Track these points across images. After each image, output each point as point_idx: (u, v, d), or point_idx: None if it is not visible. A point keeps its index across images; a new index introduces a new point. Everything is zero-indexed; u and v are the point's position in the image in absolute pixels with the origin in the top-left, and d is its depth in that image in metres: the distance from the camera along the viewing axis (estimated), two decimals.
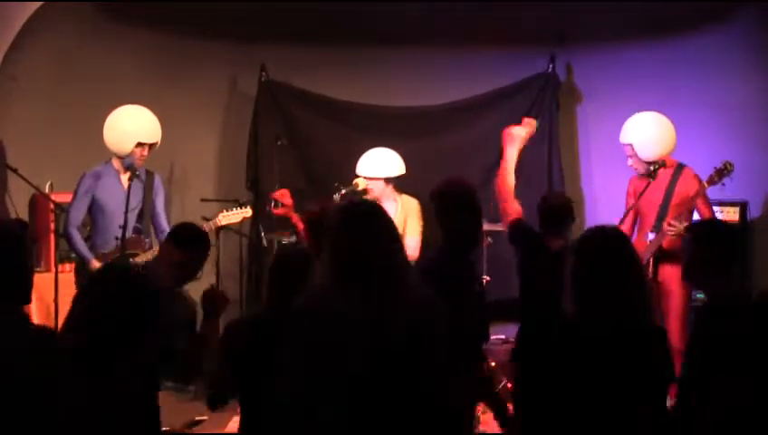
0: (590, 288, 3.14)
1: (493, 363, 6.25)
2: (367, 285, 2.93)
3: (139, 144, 6.19)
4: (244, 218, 6.70)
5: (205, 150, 7.91)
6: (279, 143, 7.17)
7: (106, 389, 2.94)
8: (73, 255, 6.35)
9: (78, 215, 6.15)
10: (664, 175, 6.07)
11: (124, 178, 6.15)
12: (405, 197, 6.38)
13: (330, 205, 4.52)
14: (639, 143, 6.13)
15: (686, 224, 5.85)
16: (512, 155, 5.29)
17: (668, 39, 7.34)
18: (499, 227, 6.55)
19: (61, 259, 6.63)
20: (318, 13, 7.41)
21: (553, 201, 5.50)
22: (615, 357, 3.09)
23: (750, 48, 7.05)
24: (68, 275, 6.32)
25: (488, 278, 6.43)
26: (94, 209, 6.18)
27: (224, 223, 6.57)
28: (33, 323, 3.23)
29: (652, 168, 6.05)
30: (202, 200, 7.19)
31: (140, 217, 6.26)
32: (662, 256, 6.02)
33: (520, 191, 7.56)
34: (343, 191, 6.28)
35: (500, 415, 3.85)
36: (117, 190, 6.13)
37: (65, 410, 2.89)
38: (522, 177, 7.55)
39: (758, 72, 7.01)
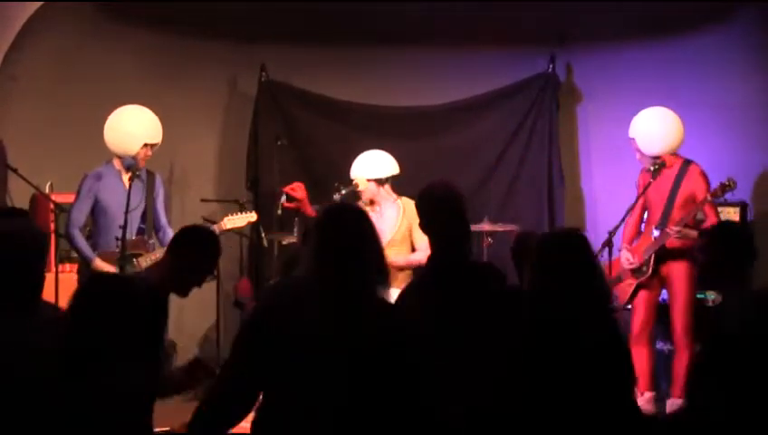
0: (547, 291, 3.30)
1: None
2: (328, 286, 3.01)
3: (145, 145, 6.19)
4: (249, 223, 6.69)
5: (205, 150, 7.90)
6: (279, 143, 7.17)
7: (99, 393, 2.94)
8: (74, 255, 6.35)
9: (80, 216, 6.13)
10: (670, 171, 6.09)
11: (126, 178, 6.14)
12: (406, 200, 6.35)
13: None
14: (642, 138, 6.16)
15: (689, 227, 5.90)
16: None
17: (668, 39, 7.34)
18: (499, 228, 6.57)
19: (61, 259, 6.64)
20: (318, 13, 7.41)
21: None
22: (572, 354, 3.22)
23: (750, 48, 7.05)
24: (69, 275, 6.32)
25: None
26: (96, 210, 6.15)
27: (229, 227, 6.58)
28: (45, 323, 3.24)
29: (655, 165, 6.07)
30: (202, 201, 7.21)
31: (143, 217, 6.26)
32: (665, 253, 6.05)
33: (521, 191, 7.63)
34: (343, 191, 6.27)
35: None
36: (119, 191, 6.11)
37: (67, 413, 2.90)
38: (522, 177, 7.65)
39: (758, 72, 7.01)
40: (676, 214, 6.00)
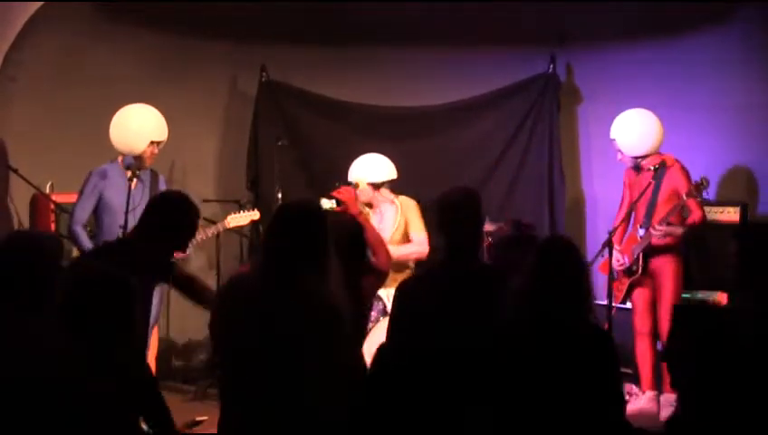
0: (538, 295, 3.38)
1: None
2: (270, 274, 3.28)
3: (151, 142, 6.18)
4: (252, 221, 6.70)
5: (205, 151, 7.90)
6: (279, 143, 7.17)
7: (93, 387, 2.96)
8: (75, 254, 6.34)
9: (84, 213, 6.09)
10: (650, 171, 6.17)
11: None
12: (403, 198, 6.39)
13: None
14: (622, 139, 6.28)
15: (674, 225, 5.95)
16: None
17: (668, 39, 7.33)
18: None
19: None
20: (318, 13, 7.41)
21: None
22: (559, 359, 3.29)
23: (750, 48, 7.04)
24: None
25: None
26: (100, 208, 6.11)
27: (232, 225, 6.59)
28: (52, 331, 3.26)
29: (655, 166, 6.11)
30: (203, 201, 7.20)
31: None
32: (652, 250, 6.12)
33: (521, 191, 7.63)
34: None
35: None
36: (123, 189, 6.05)
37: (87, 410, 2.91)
38: (523, 177, 7.65)
39: (758, 72, 7.00)
40: (660, 211, 6.06)
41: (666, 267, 6.10)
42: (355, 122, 7.62)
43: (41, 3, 6.56)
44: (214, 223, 6.65)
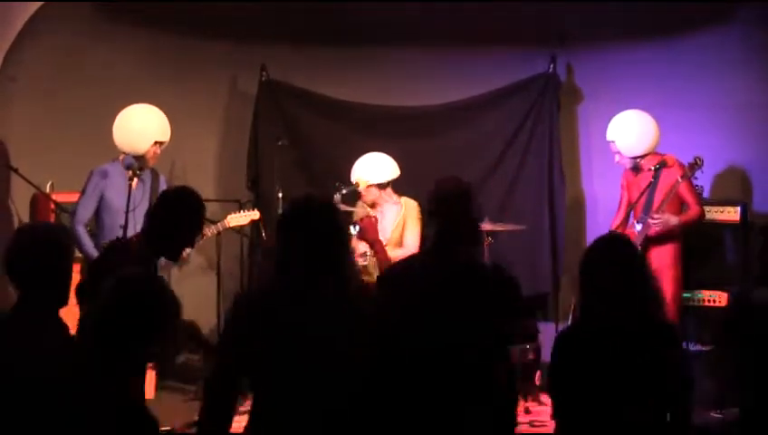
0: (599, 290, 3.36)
1: (531, 356, 6.33)
2: (297, 278, 3.13)
3: (155, 142, 6.18)
4: (252, 221, 6.70)
5: (205, 150, 7.90)
6: (279, 143, 7.17)
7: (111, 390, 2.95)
8: (77, 254, 6.33)
9: (86, 212, 6.07)
10: (650, 171, 6.18)
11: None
12: (405, 199, 6.39)
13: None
14: (621, 140, 6.28)
15: (669, 214, 5.97)
16: None
17: (668, 39, 7.34)
18: (499, 227, 6.58)
19: None
20: (318, 13, 7.41)
21: None
22: (629, 355, 3.25)
23: (750, 48, 7.05)
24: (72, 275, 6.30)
25: None
26: (101, 207, 6.09)
27: (232, 224, 6.59)
28: (67, 328, 3.26)
29: (655, 166, 6.12)
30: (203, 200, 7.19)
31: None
32: (649, 242, 6.10)
33: (521, 191, 7.63)
34: (344, 191, 6.28)
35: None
36: (124, 189, 6.01)
37: (88, 413, 2.90)
38: (523, 177, 7.65)
39: (758, 72, 7.01)
40: (657, 206, 6.06)
41: (663, 259, 6.05)
42: (355, 122, 7.63)
43: (41, 3, 6.56)
44: (214, 223, 6.65)
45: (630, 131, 6.29)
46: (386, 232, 6.00)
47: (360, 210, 6.39)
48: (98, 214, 6.13)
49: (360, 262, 5.80)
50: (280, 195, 6.92)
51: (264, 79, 7.62)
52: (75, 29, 7.13)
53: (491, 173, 7.60)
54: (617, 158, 6.36)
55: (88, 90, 7.18)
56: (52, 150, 6.99)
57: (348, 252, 3.28)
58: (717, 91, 7.11)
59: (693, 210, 6.09)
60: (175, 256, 4.35)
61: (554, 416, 3.44)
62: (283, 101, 7.69)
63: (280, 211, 6.69)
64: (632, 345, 3.29)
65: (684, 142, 6.67)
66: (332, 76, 7.70)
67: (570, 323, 5.75)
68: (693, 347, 6.32)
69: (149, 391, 5.97)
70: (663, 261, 6.06)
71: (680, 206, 6.13)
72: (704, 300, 6.55)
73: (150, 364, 4.67)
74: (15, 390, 2.96)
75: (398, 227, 6.28)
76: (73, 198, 6.22)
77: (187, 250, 5.68)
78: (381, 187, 6.35)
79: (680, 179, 5.99)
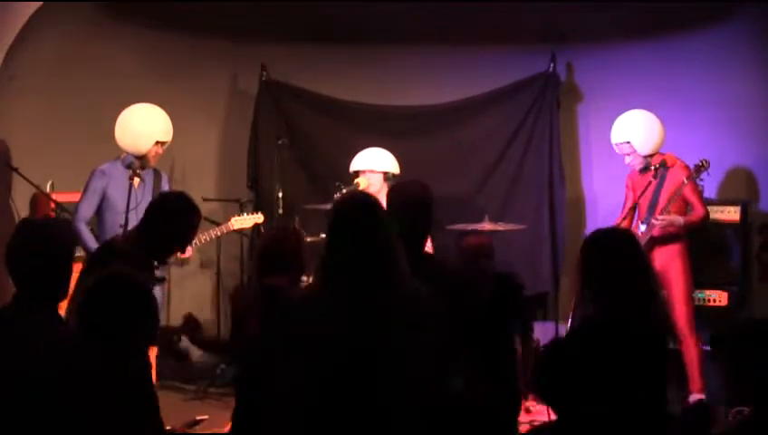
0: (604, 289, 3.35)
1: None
2: (345, 283, 2.99)
3: (156, 142, 6.18)
4: (256, 224, 6.70)
5: (205, 150, 7.91)
6: (279, 142, 7.18)
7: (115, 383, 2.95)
8: (78, 253, 6.32)
9: (88, 211, 6.03)
10: (651, 170, 6.17)
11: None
12: None
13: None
14: (637, 139, 6.21)
15: (674, 214, 5.95)
16: None
17: (668, 38, 7.34)
18: (499, 227, 6.58)
19: None
20: (318, 13, 7.41)
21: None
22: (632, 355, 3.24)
23: (751, 47, 7.05)
24: (73, 274, 6.30)
25: None
26: (102, 206, 6.06)
27: (236, 227, 6.59)
28: (66, 321, 3.27)
29: (656, 166, 6.11)
30: (203, 200, 7.20)
31: None
32: (654, 243, 6.06)
33: (521, 190, 7.63)
34: (344, 191, 6.28)
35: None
36: (126, 188, 6.03)
37: (93, 407, 2.91)
38: (522, 176, 7.65)
39: (759, 71, 7.02)
40: (662, 207, 6.04)
41: (673, 264, 6.02)
42: (355, 121, 7.63)
43: (41, 3, 6.56)
44: (214, 222, 6.65)
45: (645, 130, 6.22)
46: None
47: None
48: (100, 213, 6.11)
49: None
50: (280, 194, 6.93)
51: (264, 78, 7.62)
52: (75, 28, 7.12)
53: (491, 172, 7.60)
54: (627, 159, 6.27)
55: (88, 89, 7.18)
56: (52, 150, 6.99)
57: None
58: (717, 91, 7.11)
59: (698, 211, 6.05)
60: (160, 260, 4.37)
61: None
62: (283, 100, 7.70)
63: (280, 211, 6.70)
64: (632, 341, 3.28)
65: (683, 142, 6.67)
66: (332, 75, 7.71)
67: (569, 323, 5.73)
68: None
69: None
70: (669, 262, 6.03)
71: (685, 206, 6.10)
72: (705, 299, 6.54)
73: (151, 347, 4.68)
74: (12, 382, 2.97)
75: None
76: (74, 197, 6.21)
77: (188, 251, 5.69)
78: (387, 178, 6.37)
79: (686, 181, 5.95)
